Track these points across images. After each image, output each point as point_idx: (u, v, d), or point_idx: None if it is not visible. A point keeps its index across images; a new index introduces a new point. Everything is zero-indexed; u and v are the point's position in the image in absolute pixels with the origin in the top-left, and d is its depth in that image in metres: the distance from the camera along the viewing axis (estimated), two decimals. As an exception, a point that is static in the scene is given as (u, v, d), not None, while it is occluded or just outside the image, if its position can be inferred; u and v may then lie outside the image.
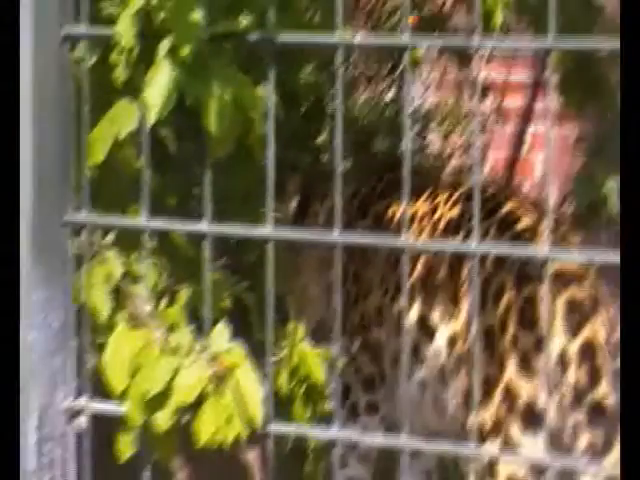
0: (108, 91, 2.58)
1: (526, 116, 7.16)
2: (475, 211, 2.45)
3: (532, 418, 3.57)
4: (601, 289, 3.74)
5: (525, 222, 3.87)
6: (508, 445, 3.54)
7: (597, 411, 3.51)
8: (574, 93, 4.37)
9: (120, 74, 2.52)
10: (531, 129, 7.16)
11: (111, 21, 2.50)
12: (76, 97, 2.54)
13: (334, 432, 2.55)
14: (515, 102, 7.10)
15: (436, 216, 4.06)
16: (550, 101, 2.60)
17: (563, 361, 3.56)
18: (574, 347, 3.55)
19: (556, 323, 3.59)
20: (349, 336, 3.88)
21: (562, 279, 3.61)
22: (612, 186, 4.41)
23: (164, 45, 2.45)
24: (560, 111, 4.67)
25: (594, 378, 3.53)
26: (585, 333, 3.58)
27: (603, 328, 3.61)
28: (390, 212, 4.31)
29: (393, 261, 4.18)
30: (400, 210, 4.26)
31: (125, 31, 2.46)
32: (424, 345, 3.99)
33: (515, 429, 3.57)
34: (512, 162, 7.18)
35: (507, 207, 3.91)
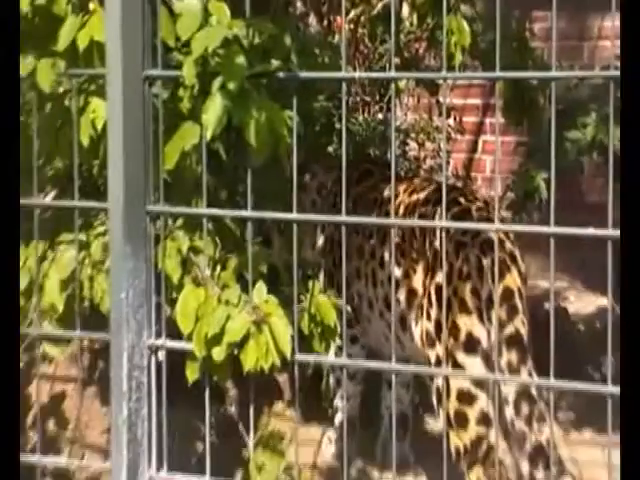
0: (177, 116, 2.56)
1: (479, 129, 7.14)
2: (443, 197, 2.50)
3: (470, 346, 3.57)
4: (516, 250, 3.77)
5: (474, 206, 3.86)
6: (456, 367, 3.55)
7: (514, 338, 3.50)
8: (513, 112, 4.38)
9: (185, 104, 2.53)
10: (483, 138, 7.15)
11: (179, 66, 2.50)
12: (154, 121, 2.53)
13: (344, 360, 2.60)
14: (471, 119, 7.08)
15: (398, 200, 4.05)
16: (497, 118, 2.62)
17: (490, 302, 3.58)
18: (497, 292, 3.55)
19: (483, 275, 3.61)
20: (337, 288, 3.86)
21: (489, 244, 3.62)
22: (541, 179, 4.43)
23: (217, 82, 2.44)
24: (504, 125, 4.68)
25: (510, 314, 3.54)
26: (504, 281, 3.59)
27: (517, 277, 3.63)
28: (364, 194, 4.28)
29: (367, 233, 4.18)
30: (372, 193, 4.26)
31: (189, 73, 2.44)
32: (391, 295, 4.00)
33: (461, 353, 3.56)
34: (469, 163, 7.18)
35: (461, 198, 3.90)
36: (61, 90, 2.64)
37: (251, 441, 2.65)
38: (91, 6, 2.53)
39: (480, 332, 3.57)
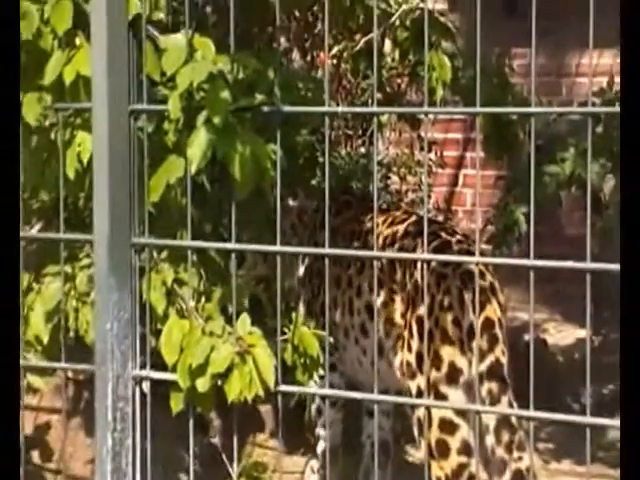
0: (162, 150, 2.56)
1: (460, 163, 7.16)
2: (424, 229, 2.50)
3: (453, 376, 3.56)
4: (495, 282, 3.78)
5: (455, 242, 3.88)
6: (438, 397, 3.54)
7: (494, 368, 3.51)
8: (493, 147, 4.39)
9: (170, 137, 2.52)
10: (463, 172, 7.16)
11: (164, 100, 2.49)
12: (139, 154, 2.53)
13: (327, 391, 2.59)
14: (452, 153, 7.10)
15: (377, 232, 4.06)
16: (477, 152, 2.62)
17: (471, 332, 3.58)
18: (479, 322, 3.55)
19: (466, 305, 3.62)
20: (315, 317, 3.84)
21: (470, 276, 3.62)
22: (521, 213, 4.44)
23: (201, 116, 2.44)
24: (484, 159, 4.70)
25: (491, 344, 3.54)
26: (485, 312, 3.59)
27: (497, 308, 3.64)
28: (342, 225, 4.29)
29: (345, 263, 4.18)
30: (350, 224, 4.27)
31: (174, 107, 2.44)
32: (368, 324, 4.00)
33: (443, 384, 3.56)
34: (450, 196, 7.20)
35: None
36: (47, 123, 2.64)
37: (234, 471, 2.63)
38: (77, 41, 2.53)
39: (462, 362, 3.58)
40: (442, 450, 3.53)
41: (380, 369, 3.91)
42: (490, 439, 3.42)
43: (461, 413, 3.49)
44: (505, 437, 3.39)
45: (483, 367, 3.52)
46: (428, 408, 3.43)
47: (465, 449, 3.52)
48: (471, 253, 3.76)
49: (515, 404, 3.48)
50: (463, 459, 3.52)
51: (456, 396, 3.55)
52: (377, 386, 2.46)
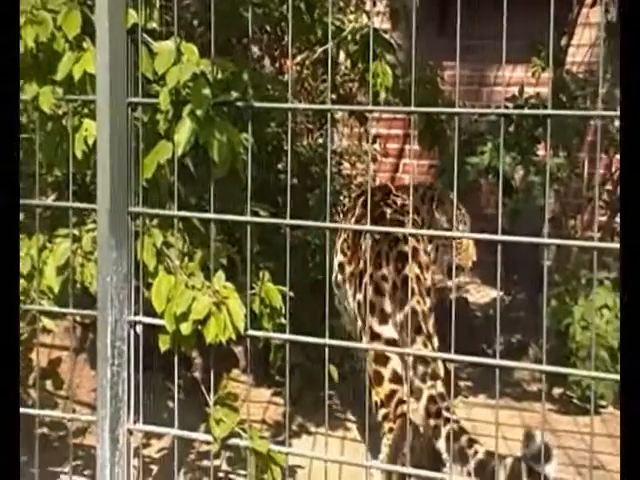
0: (154, 136, 2.52)
1: (400, 154, 7.17)
2: (368, 208, 2.50)
3: (383, 317, 3.59)
4: (420, 246, 3.81)
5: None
6: (373, 335, 3.57)
7: (414, 312, 3.50)
8: (426, 141, 4.40)
9: (161, 126, 2.49)
10: (403, 161, 7.17)
11: (156, 95, 2.48)
12: (135, 139, 2.52)
13: (287, 336, 2.58)
14: (394, 146, 7.10)
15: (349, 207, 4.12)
16: (414, 145, 2.61)
17: (395, 286, 3.59)
18: (400, 279, 3.58)
19: (390, 265, 3.63)
20: None
21: (396, 242, 3.65)
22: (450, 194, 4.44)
23: (186, 109, 2.43)
24: (419, 151, 4.69)
25: (407, 294, 3.53)
26: (405, 271, 3.60)
27: (416, 267, 3.65)
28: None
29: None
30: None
31: (164, 100, 2.43)
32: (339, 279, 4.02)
33: (376, 324, 3.56)
34: (392, 181, 7.19)
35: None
36: (60, 112, 2.60)
37: (211, 400, 2.62)
38: (84, 45, 2.50)
39: (390, 308, 3.59)
40: (377, 379, 3.55)
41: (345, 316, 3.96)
42: (410, 372, 3.44)
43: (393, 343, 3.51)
44: (420, 369, 3.39)
45: (402, 315, 3.53)
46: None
47: (395, 378, 3.54)
48: (402, 222, 3.79)
49: (430, 344, 3.50)
50: (394, 386, 3.54)
51: (387, 334, 3.56)
52: (328, 331, 2.47)
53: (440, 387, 3.35)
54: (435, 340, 3.60)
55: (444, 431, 3.21)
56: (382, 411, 3.54)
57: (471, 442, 3.12)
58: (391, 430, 3.50)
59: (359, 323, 3.72)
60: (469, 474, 3.06)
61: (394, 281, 3.58)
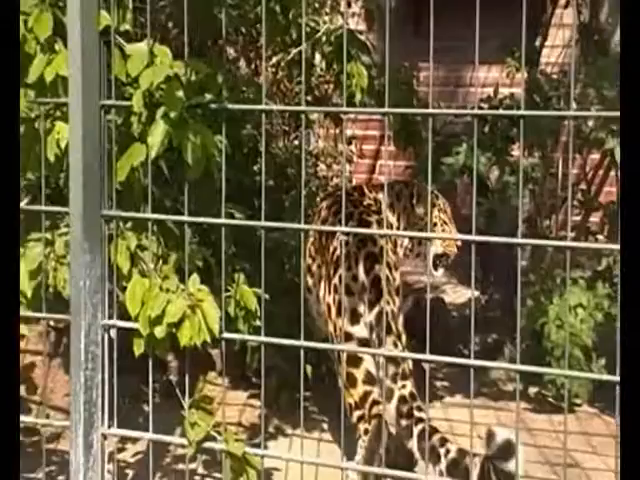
0: (127, 138, 2.50)
1: (377, 155, 7.18)
2: (342, 208, 2.50)
3: (354, 318, 3.57)
4: (389, 246, 3.81)
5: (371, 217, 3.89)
6: (346, 336, 3.55)
7: (379, 315, 3.48)
8: (401, 142, 4.40)
9: (134, 128, 2.47)
10: (380, 162, 7.18)
11: (129, 97, 2.47)
12: (108, 141, 2.51)
13: (262, 338, 2.57)
14: (370, 147, 7.11)
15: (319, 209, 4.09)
16: (389, 146, 2.61)
17: (364, 286, 3.58)
18: (369, 279, 3.57)
19: (360, 266, 3.62)
20: None
21: (364, 243, 3.64)
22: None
23: (160, 111, 2.41)
24: (395, 152, 4.70)
25: (378, 295, 3.53)
26: (374, 271, 3.59)
27: (385, 268, 3.62)
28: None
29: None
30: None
31: (137, 103, 2.42)
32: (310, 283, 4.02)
33: (347, 325, 3.56)
34: (369, 181, 7.20)
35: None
36: (32, 115, 2.58)
37: (186, 403, 2.60)
38: (56, 47, 2.48)
39: (360, 309, 3.58)
40: (351, 380, 3.54)
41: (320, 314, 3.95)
42: (381, 373, 3.44)
43: (364, 348, 3.51)
44: (391, 370, 3.39)
45: (372, 315, 3.52)
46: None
47: (368, 379, 3.53)
48: (369, 222, 3.79)
49: (400, 344, 3.49)
50: (367, 388, 3.53)
51: (358, 333, 3.55)
52: (303, 333, 2.46)
53: (410, 387, 3.35)
54: (404, 338, 3.60)
55: (416, 431, 3.21)
56: (357, 413, 3.54)
57: (443, 441, 3.12)
58: (366, 432, 3.49)
59: (330, 325, 3.71)
60: (441, 473, 3.05)
61: (363, 282, 3.57)
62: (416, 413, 3.27)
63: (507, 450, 2.73)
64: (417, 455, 3.21)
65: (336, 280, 3.65)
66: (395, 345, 3.46)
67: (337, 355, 3.65)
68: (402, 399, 3.33)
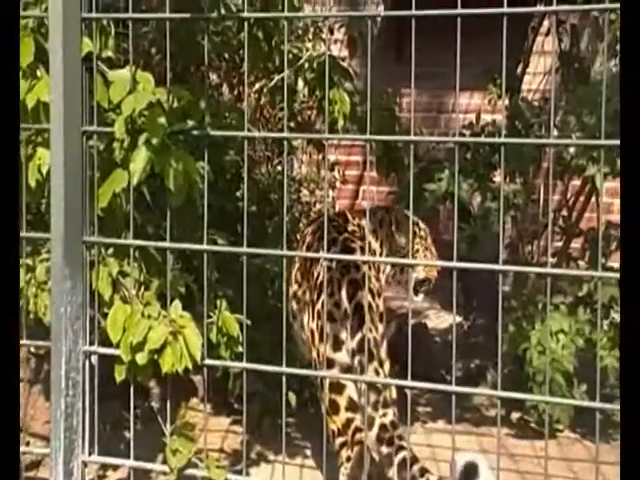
0: (109, 164, 2.52)
1: (359, 181, 7.20)
2: (325, 234, 2.51)
3: (336, 344, 3.55)
4: (372, 272, 3.79)
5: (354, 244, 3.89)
6: (328, 362, 3.49)
7: (361, 342, 3.45)
8: (383, 168, 4.42)
9: (116, 154, 2.48)
10: (362, 188, 7.19)
11: (111, 123, 2.48)
12: (90, 168, 2.51)
13: (244, 364, 2.56)
14: (353, 172, 7.13)
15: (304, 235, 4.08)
16: (367, 172, 2.63)
17: (346, 313, 3.57)
18: (352, 306, 3.55)
19: (342, 292, 3.60)
20: None
21: (347, 269, 3.63)
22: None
23: (142, 137, 2.43)
24: (378, 178, 4.71)
25: (360, 321, 3.49)
26: (356, 298, 3.57)
27: (368, 295, 3.62)
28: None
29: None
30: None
31: (119, 129, 2.43)
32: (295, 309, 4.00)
33: (330, 351, 3.53)
34: (351, 207, 7.21)
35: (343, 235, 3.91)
36: (14, 140, 2.57)
37: (168, 430, 2.59)
38: (38, 73, 2.50)
39: (343, 335, 3.56)
40: (333, 407, 3.52)
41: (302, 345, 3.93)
42: (362, 400, 3.43)
43: (346, 374, 3.49)
44: (372, 398, 3.38)
45: (354, 342, 3.49)
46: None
47: (351, 406, 3.51)
48: (353, 248, 3.79)
49: (382, 371, 3.48)
50: (350, 415, 3.50)
51: (341, 359, 3.53)
52: (285, 359, 2.46)
53: (392, 415, 3.34)
54: (387, 366, 3.59)
55: (396, 460, 3.20)
56: (339, 440, 3.52)
57: (423, 471, 3.12)
58: (349, 459, 3.48)
59: (313, 351, 3.70)
60: None
61: (346, 308, 3.57)
62: (397, 442, 3.26)
63: (470, 472, 2.81)
64: None
65: (319, 306, 3.64)
66: (377, 372, 3.45)
67: (320, 382, 3.63)
68: (383, 427, 3.32)
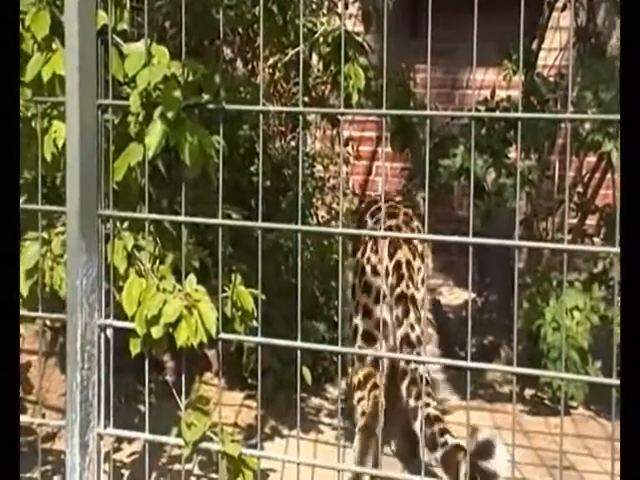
0: (124, 138, 2.51)
1: (373, 156, 7.17)
2: (340, 209, 2.50)
3: (378, 298, 3.60)
4: (408, 231, 3.84)
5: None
6: (367, 312, 3.65)
7: (400, 298, 3.57)
8: (398, 143, 4.40)
9: (132, 128, 2.47)
10: (376, 164, 7.17)
11: (127, 97, 2.46)
12: (105, 141, 2.50)
13: (259, 339, 2.57)
14: (367, 148, 7.10)
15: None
16: (382, 148, 2.61)
17: (387, 273, 3.64)
18: (391, 264, 3.63)
19: (384, 253, 3.68)
20: None
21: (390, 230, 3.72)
22: (421, 197, 4.44)
23: (157, 111, 2.41)
24: (392, 153, 4.69)
25: (399, 280, 3.60)
26: (396, 256, 3.64)
27: (408, 252, 3.67)
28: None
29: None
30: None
31: (134, 103, 2.42)
32: None
33: (371, 305, 3.65)
34: (365, 183, 7.21)
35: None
36: (29, 114, 2.57)
37: (183, 404, 2.60)
38: (54, 46, 2.48)
39: (384, 289, 3.62)
40: (361, 360, 3.64)
41: None
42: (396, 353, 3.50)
43: (378, 328, 3.52)
44: (405, 351, 3.46)
45: (394, 296, 3.58)
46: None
47: (374, 362, 3.59)
48: (396, 214, 3.84)
49: (417, 326, 3.54)
50: (371, 369, 3.61)
51: (380, 312, 3.58)
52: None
53: (422, 371, 3.38)
54: (420, 325, 3.62)
55: (420, 415, 3.24)
56: (358, 394, 3.61)
57: (443, 432, 3.19)
58: (364, 414, 3.54)
59: (353, 304, 3.77)
60: (436, 461, 3.14)
61: (387, 267, 3.65)
62: (425, 398, 3.30)
63: (486, 450, 2.89)
64: (419, 436, 3.24)
65: (364, 261, 3.72)
66: (412, 328, 3.50)
67: (353, 332, 3.72)
68: (413, 381, 3.38)
